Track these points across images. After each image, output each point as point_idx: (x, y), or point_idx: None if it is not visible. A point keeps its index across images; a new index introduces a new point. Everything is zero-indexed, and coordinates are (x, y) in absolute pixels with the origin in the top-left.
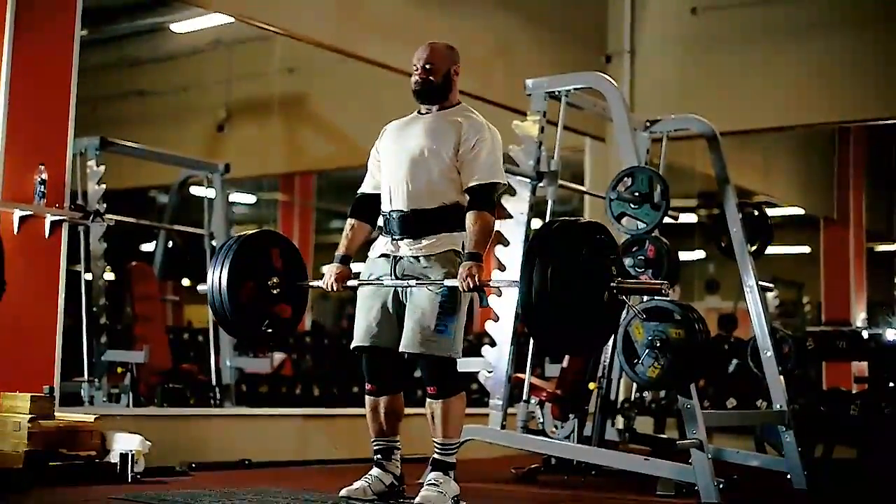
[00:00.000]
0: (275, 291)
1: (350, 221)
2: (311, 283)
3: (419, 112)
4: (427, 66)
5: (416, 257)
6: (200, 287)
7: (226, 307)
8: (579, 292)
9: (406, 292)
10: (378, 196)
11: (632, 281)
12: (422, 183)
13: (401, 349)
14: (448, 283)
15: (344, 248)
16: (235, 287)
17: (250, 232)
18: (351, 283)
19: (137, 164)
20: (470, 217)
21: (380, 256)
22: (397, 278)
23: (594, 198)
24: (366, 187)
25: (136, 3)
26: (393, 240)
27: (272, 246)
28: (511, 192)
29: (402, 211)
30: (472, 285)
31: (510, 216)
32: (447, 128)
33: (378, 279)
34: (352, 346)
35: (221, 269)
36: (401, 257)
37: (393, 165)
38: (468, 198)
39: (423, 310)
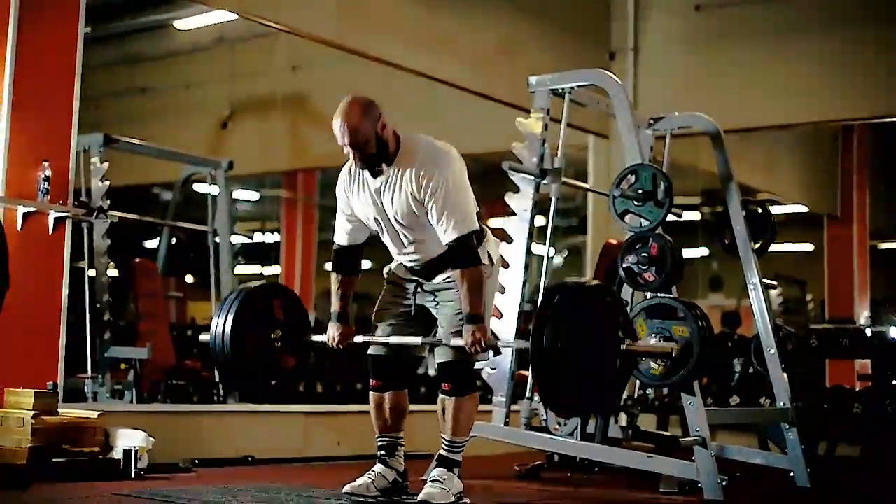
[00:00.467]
0: (278, 344)
1: (335, 277)
2: (314, 339)
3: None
4: (355, 146)
5: (442, 280)
6: (202, 336)
7: (229, 361)
8: (591, 361)
9: (433, 306)
10: (357, 247)
11: (641, 345)
12: (421, 244)
13: (437, 361)
14: (454, 342)
15: (338, 305)
16: (238, 341)
17: (253, 285)
18: (357, 339)
19: (141, 161)
20: (457, 278)
21: (408, 280)
22: (422, 290)
23: (598, 195)
24: (342, 240)
25: (140, 0)
26: (421, 276)
27: (275, 298)
28: (515, 189)
29: (417, 265)
30: (479, 350)
31: (514, 213)
32: (407, 195)
33: (403, 288)
34: (368, 352)
35: (224, 322)
36: (426, 282)
37: (382, 232)
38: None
39: (450, 321)
